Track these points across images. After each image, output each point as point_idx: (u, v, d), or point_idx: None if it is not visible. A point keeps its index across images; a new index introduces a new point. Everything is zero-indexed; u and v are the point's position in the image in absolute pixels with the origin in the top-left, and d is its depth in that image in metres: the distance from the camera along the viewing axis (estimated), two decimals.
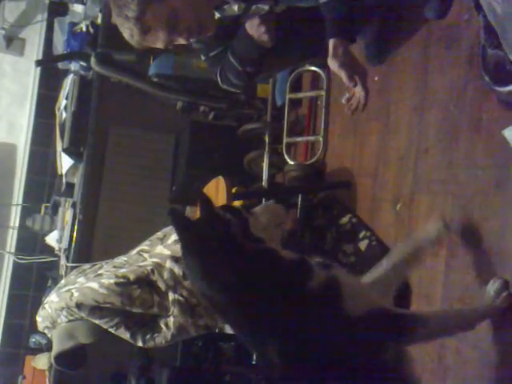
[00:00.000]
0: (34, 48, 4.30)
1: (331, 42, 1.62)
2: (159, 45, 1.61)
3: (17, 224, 4.18)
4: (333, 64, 1.62)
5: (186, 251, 1.24)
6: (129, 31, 1.56)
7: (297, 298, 1.16)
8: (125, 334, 2.06)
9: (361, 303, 1.20)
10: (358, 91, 1.73)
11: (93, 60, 2.77)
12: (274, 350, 1.16)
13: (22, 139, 4.30)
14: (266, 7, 1.76)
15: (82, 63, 3.09)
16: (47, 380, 3.25)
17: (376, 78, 2.17)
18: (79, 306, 2.02)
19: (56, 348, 2.14)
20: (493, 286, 1.42)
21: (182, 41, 1.61)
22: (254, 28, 1.78)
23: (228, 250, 1.16)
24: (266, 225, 1.30)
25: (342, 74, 1.62)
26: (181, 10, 1.55)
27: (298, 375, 1.17)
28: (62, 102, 3.42)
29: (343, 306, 1.16)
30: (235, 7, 1.73)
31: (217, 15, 1.74)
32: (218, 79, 1.96)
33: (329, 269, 1.23)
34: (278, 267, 1.18)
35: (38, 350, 3.67)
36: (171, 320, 2.03)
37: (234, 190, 2.38)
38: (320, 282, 1.17)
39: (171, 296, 2.00)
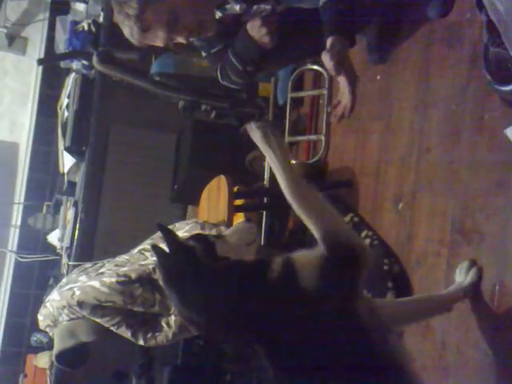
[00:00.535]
0: (36, 47, 4.30)
1: (329, 40, 1.61)
2: (159, 43, 1.61)
3: (19, 223, 4.19)
4: (325, 57, 1.60)
5: (163, 282, 1.32)
6: (129, 29, 1.57)
7: (264, 292, 1.20)
8: (126, 333, 2.06)
9: (311, 266, 1.21)
10: (345, 97, 1.70)
11: (95, 59, 2.77)
12: (262, 352, 1.18)
13: (23, 138, 4.31)
14: (268, 7, 1.76)
15: (84, 62, 3.09)
16: (48, 378, 3.25)
17: (378, 77, 2.17)
18: (81, 304, 2.02)
19: (57, 346, 2.15)
20: (461, 267, 1.55)
21: (181, 39, 1.62)
22: (255, 29, 1.78)
23: (196, 274, 1.23)
24: (237, 245, 1.34)
25: (331, 65, 1.58)
26: (181, 9, 1.55)
27: (293, 370, 1.18)
28: (64, 101, 3.42)
29: (301, 279, 1.18)
30: (237, 7, 1.73)
31: (218, 14, 1.74)
32: (218, 76, 1.96)
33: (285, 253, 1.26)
34: (241, 274, 1.23)
35: (39, 349, 3.67)
36: (172, 319, 2.03)
37: (235, 189, 2.38)
38: (276, 268, 1.20)
39: None
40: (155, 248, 1.30)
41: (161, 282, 2.00)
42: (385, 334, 1.23)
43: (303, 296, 1.18)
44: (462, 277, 1.56)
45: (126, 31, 1.60)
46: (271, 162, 1.26)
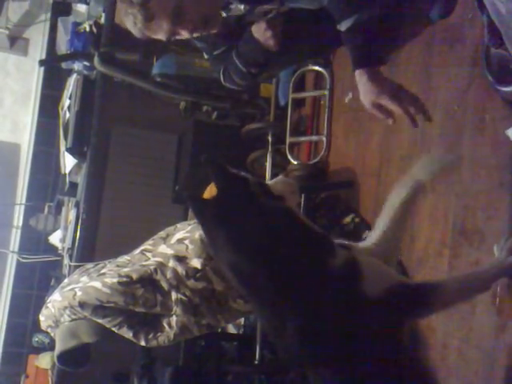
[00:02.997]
0: (38, 48, 4.31)
1: (356, 74, 1.47)
2: (161, 35, 1.58)
3: (20, 223, 4.19)
4: (366, 100, 1.45)
5: (208, 229, 1.21)
6: (132, 17, 1.53)
7: (319, 273, 1.15)
8: (127, 334, 2.06)
9: (381, 282, 1.19)
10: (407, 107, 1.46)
11: (96, 60, 2.78)
12: (291, 328, 1.14)
13: (25, 139, 4.31)
14: (271, 7, 1.75)
15: (86, 63, 3.10)
16: (50, 379, 3.25)
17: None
18: (82, 305, 2.02)
19: (59, 347, 2.15)
20: (502, 244, 1.42)
21: (185, 34, 1.59)
22: (260, 32, 1.77)
23: (252, 209, 1.13)
24: (282, 192, 1.27)
25: (369, 105, 1.44)
26: (187, 1, 1.53)
27: (315, 356, 1.17)
28: (66, 102, 3.43)
29: (363, 286, 1.15)
30: (241, 7, 1.72)
31: (223, 14, 1.74)
32: (221, 78, 1.96)
33: (348, 250, 1.22)
34: (303, 233, 1.15)
35: (40, 349, 3.68)
36: (174, 319, 2.03)
37: None
38: (341, 261, 1.16)
39: (174, 295, 2.00)
40: (209, 162, 1.19)
41: (163, 282, 2.01)
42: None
43: (361, 300, 1.15)
44: (504, 254, 1.42)
45: (129, 20, 1.55)
46: None
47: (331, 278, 1.15)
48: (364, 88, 1.46)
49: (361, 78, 1.47)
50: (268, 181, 2.62)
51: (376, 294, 1.16)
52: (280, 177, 1.46)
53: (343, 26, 1.52)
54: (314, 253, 1.16)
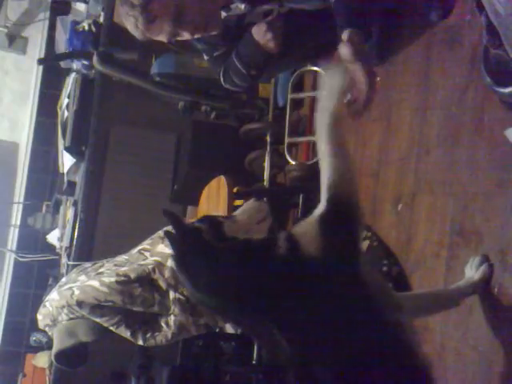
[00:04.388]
0: (37, 47, 4.31)
1: (345, 33, 1.51)
2: (163, 37, 1.58)
3: (18, 222, 4.19)
4: (342, 48, 1.49)
5: (176, 267, 1.31)
6: (133, 20, 1.54)
7: (273, 269, 1.19)
8: (125, 333, 2.07)
9: (311, 231, 1.21)
10: (361, 90, 1.56)
11: (95, 59, 2.77)
12: (277, 330, 1.17)
13: (23, 137, 4.31)
14: (271, 8, 1.76)
15: (84, 62, 3.09)
16: (47, 378, 3.25)
17: (378, 79, 2.17)
18: (80, 304, 2.02)
19: (56, 346, 2.15)
20: (472, 262, 1.51)
21: (186, 35, 1.60)
22: (260, 34, 1.77)
23: (204, 255, 1.22)
24: (247, 223, 1.33)
25: (348, 53, 1.48)
26: (188, 3, 1.54)
27: (309, 344, 1.18)
28: (64, 101, 3.43)
29: (304, 250, 1.17)
30: (241, 6, 1.72)
31: (223, 14, 1.74)
32: (221, 79, 1.96)
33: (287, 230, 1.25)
34: (248, 253, 1.22)
35: (38, 348, 3.68)
36: (172, 319, 2.04)
37: (235, 190, 2.38)
38: (281, 244, 1.19)
39: (172, 295, 2.01)
40: (167, 234, 1.29)
41: (160, 282, 2.01)
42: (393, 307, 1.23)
43: (309, 265, 1.17)
44: (472, 272, 1.52)
45: (130, 23, 1.56)
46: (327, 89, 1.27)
47: (281, 263, 1.18)
48: (353, 44, 1.49)
49: (352, 37, 1.49)
50: (265, 182, 2.66)
51: (315, 246, 1.17)
52: (250, 202, 1.51)
53: None
54: (260, 261, 1.20)
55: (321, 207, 1.23)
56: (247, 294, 1.19)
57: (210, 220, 1.32)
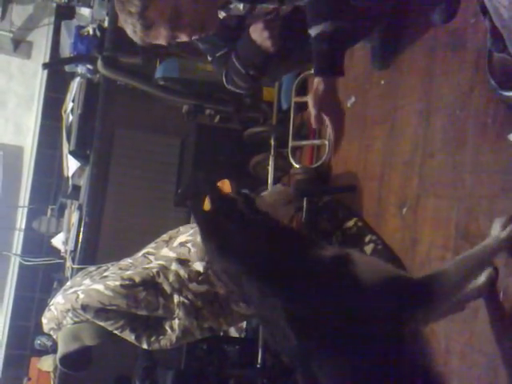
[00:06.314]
0: (41, 51, 4.33)
1: (315, 80, 1.65)
2: (161, 41, 1.61)
3: (23, 226, 4.20)
4: (309, 101, 1.66)
5: (204, 238, 1.36)
6: (132, 27, 1.57)
7: (309, 265, 1.21)
8: (130, 336, 2.07)
9: (376, 270, 1.22)
10: (331, 135, 1.78)
11: (99, 63, 2.79)
12: (288, 324, 1.18)
13: (28, 141, 4.33)
14: (272, 7, 1.76)
15: (89, 66, 3.11)
16: (52, 382, 3.25)
17: (382, 82, 2.17)
18: (85, 307, 2.02)
19: (61, 350, 2.15)
20: (499, 221, 1.43)
21: (184, 37, 1.62)
22: (257, 32, 1.78)
23: (237, 225, 1.27)
24: (274, 204, 1.39)
25: (312, 114, 1.66)
26: (184, 6, 1.56)
27: (313, 349, 1.18)
28: (69, 105, 3.44)
29: (356, 272, 1.18)
30: (240, 6, 1.73)
31: (222, 14, 1.75)
32: (224, 80, 1.97)
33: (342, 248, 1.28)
34: (282, 234, 1.28)
35: (43, 352, 3.68)
36: (176, 322, 2.04)
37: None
38: (332, 253, 1.22)
39: (176, 298, 2.01)
40: (193, 206, 1.35)
41: (165, 286, 2.01)
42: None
43: (353, 284, 1.18)
44: (498, 231, 1.43)
45: (129, 29, 1.59)
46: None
47: (320, 264, 1.21)
48: (316, 93, 1.64)
49: (318, 85, 1.64)
50: (269, 186, 2.66)
51: (371, 281, 1.18)
52: (277, 186, 1.56)
53: (312, 32, 1.61)
54: (295, 246, 1.25)
55: (403, 272, 1.27)
56: (268, 267, 1.21)
57: (245, 194, 1.38)
